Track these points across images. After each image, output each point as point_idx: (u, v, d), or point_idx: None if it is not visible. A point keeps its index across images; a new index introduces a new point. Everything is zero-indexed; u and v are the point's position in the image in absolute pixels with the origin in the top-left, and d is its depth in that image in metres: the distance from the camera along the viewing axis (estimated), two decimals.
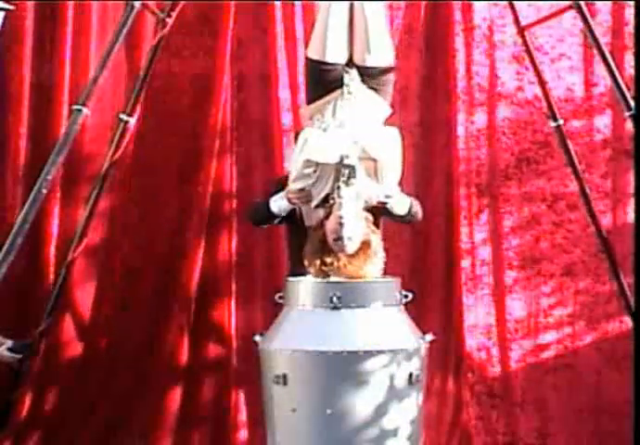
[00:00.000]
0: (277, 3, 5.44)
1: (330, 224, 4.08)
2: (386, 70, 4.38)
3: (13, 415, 5.19)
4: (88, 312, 5.41)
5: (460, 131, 5.48)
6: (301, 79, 5.42)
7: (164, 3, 4.88)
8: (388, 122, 4.43)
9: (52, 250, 5.35)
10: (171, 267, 5.41)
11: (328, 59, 4.26)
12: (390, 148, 4.22)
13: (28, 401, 5.23)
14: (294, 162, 4.24)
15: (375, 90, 4.33)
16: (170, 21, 4.83)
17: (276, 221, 4.38)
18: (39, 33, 5.40)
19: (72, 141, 4.37)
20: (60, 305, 5.14)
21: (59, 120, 5.32)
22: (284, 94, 5.42)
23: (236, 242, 5.41)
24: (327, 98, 4.27)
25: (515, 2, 5.08)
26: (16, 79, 5.37)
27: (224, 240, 5.42)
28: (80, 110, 4.32)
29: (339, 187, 4.05)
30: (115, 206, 5.37)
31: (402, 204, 4.32)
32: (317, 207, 4.21)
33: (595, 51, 4.59)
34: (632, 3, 5.39)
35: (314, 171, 4.15)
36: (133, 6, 4.38)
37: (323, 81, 4.29)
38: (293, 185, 4.22)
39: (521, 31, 5.01)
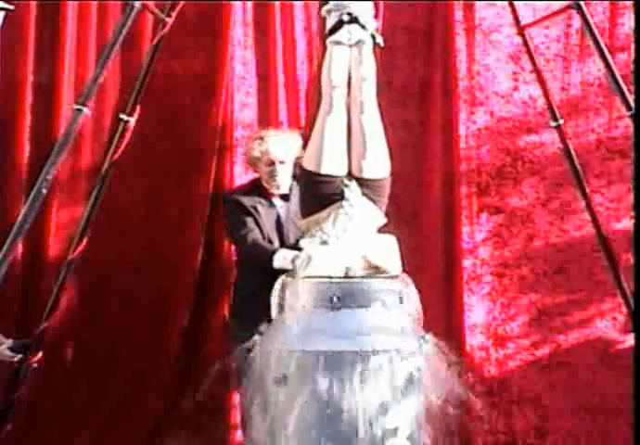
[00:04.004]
0: (277, 3, 5.45)
1: None
2: (382, 181, 4.34)
3: (13, 415, 5.19)
4: (88, 312, 5.42)
5: (461, 130, 5.49)
6: (301, 79, 5.45)
7: (164, 3, 4.87)
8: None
9: (52, 250, 5.36)
10: (171, 267, 5.41)
11: (324, 171, 4.23)
12: (391, 255, 4.23)
13: (28, 401, 5.23)
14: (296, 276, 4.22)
15: (372, 200, 4.30)
16: (170, 21, 4.82)
17: None
18: (39, 33, 5.41)
19: (72, 141, 4.37)
20: (60, 305, 5.14)
21: (59, 120, 5.32)
22: (283, 93, 5.43)
23: None
24: (327, 210, 4.24)
25: (513, 2, 5.08)
26: (16, 79, 5.37)
27: (223, 240, 5.43)
28: (80, 110, 4.32)
29: None
30: (115, 206, 5.36)
31: None
32: None
33: (595, 51, 4.58)
34: (629, 3, 5.40)
35: None
36: (133, 6, 4.37)
37: (320, 192, 4.25)
38: None
39: (521, 30, 5.01)
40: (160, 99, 5.38)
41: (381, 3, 5.39)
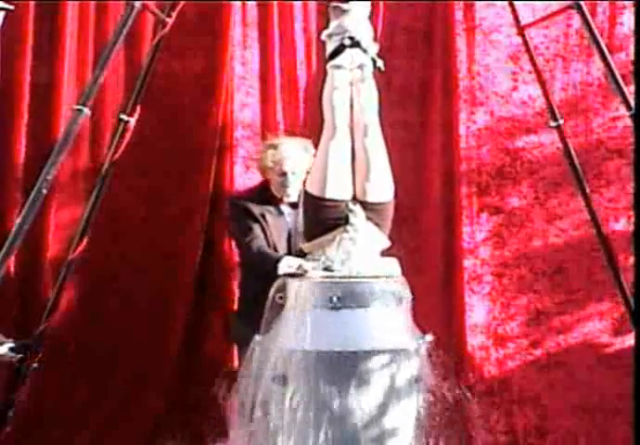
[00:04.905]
0: (275, 3, 5.45)
1: None
2: (386, 205, 4.35)
3: (13, 415, 5.19)
4: (88, 312, 5.42)
5: (461, 130, 5.49)
6: (300, 79, 5.46)
7: (164, 3, 4.87)
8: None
9: (52, 251, 5.36)
10: (171, 267, 5.42)
11: (329, 196, 4.22)
12: None
13: (28, 401, 5.23)
14: None
15: (376, 224, 4.30)
16: (170, 21, 4.82)
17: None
18: (39, 33, 5.41)
19: (72, 141, 4.37)
20: (60, 305, 5.14)
21: (59, 120, 5.33)
22: (281, 93, 5.44)
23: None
24: (332, 234, 4.24)
25: (513, 2, 5.08)
26: (16, 79, 5.37)
27: (224, 240, 5.43)
28: (80, 110, 4.31)
29: None
30: (115, 206, 5.37)
31: None
32: None
33: (595, 51, 4.59)
34: (629, 3, 5.40)
35: None
36: (133, 6, 4.37)
37: (324, 217, 4.25)
38: None
39: (521, 30, 5.01)
40: (160, 99, 5.38)
41: (381, 3, 5.40)
